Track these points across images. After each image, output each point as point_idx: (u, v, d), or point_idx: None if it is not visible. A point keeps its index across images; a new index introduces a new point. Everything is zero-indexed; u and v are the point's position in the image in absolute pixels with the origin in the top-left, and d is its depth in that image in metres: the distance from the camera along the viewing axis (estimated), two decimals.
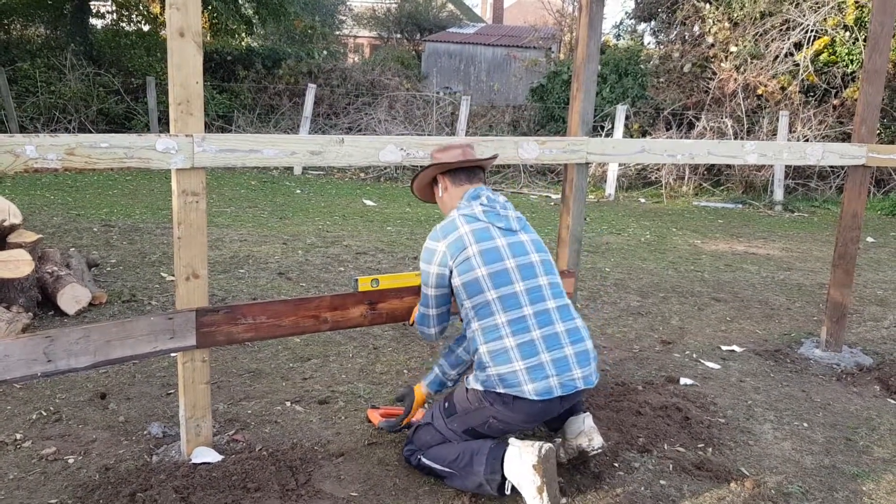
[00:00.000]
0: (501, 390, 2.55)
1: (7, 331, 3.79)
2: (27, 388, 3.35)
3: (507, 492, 2.52)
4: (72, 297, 4.35)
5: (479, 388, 2.61)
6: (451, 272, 2.66)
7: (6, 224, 4.50)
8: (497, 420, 2.60)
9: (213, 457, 2.71)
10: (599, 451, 2.69)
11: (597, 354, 2.71)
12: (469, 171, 2.86)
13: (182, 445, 2.75)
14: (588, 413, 2.79)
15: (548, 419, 2.73)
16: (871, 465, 3.03)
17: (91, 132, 12.11)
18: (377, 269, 5.79)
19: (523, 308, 2.60)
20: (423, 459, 2.70)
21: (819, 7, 11.80)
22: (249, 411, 3.23)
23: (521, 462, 2.45)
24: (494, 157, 2.93)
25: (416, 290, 3.17)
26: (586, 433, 2.69)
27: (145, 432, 2.99)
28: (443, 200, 2.89)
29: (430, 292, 2.74)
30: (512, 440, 2.54)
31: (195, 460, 2.68)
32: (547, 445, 2.45)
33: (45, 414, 3.11)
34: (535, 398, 2.52)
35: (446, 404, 2.74)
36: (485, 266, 2.60)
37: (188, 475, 2.57)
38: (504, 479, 2.51)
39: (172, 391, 3.38)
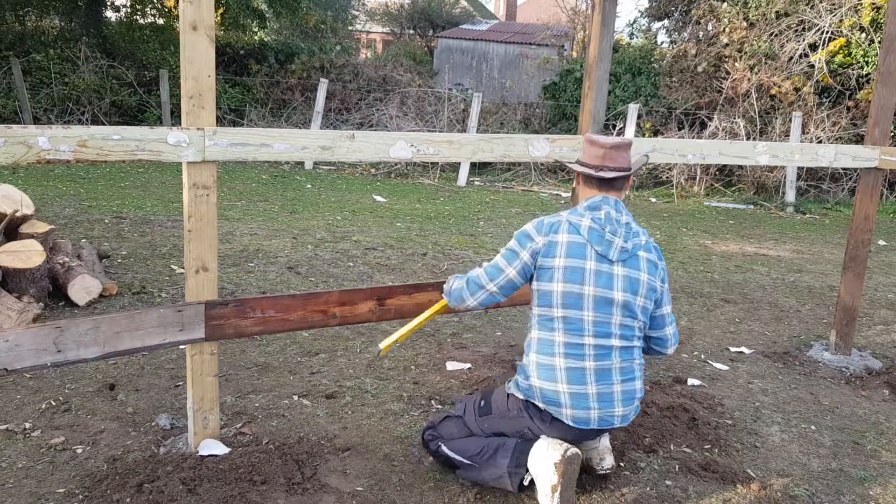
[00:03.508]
0: (542, 406, 2.54)
1: (18, 321, 3.81)
2: (37, 377, 3.37)
3: (525, 483, 2.52)
4: (82, 288, 4.37)
5: (521, 396, 2.60)
6: (534, 273, 2.59)
7: (18, 214, 4.52)
8: (531, 432, 2.60)
9: (220, 449, 2.72)
10: (608, 471, 2.68)
11: (643, 395, 2.68)
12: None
13: (189, 437, 2.76)
14: (606, 432, 2.77)
15: None
16: (878, 469, 3.02)
17: (104, 124, 12.19)
18: (386, 265, 5.80)
19: (584, 336, 2.52)
20: (444, 448, 2.69)
21: (835, 8, 11.72)
22: (257, 404, 3.25)
23: (546, 457, 2.44)
24: (629, 172, 2.66)
25: (423, 289, 3.16)
26: (599, 452, 2.68)
27: (153, 424, 3.01)
28: (575, 191, 2.76)
29: (508, 271, 2.61)
30: (543, 436, 2.53)
31: (202, 452, 2.69)
32: (574, 450, 2.43)
33: (54, 404, 3.14)
34: (572, 424, 2.51)
35: (482, 402, 2.72)
36: (563, 282, 2.51)
37: (195, 467, 2.58)
38: (527, 471, 2.51)
39: (181, 383, 3.40)
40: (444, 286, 2.89)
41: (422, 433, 2.82)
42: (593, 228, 2.55)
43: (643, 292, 2.58)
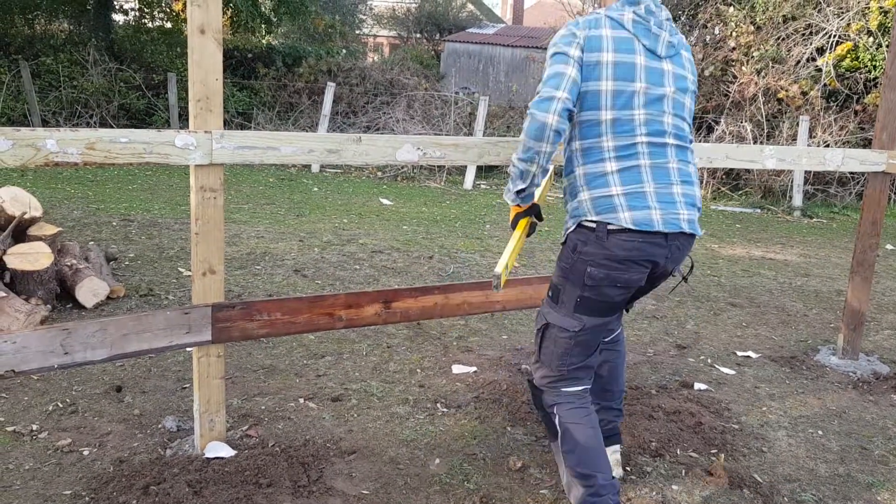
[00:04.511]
0: (593, 218, 2.29)
1: (26, 322, 3.83)
2: (44, 379, 3.38)
3: None
4: (90, 290, 4.39)
5: (571, 225, 2.38)
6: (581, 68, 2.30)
7: (27, 217, 4.54)
8: (594, 267, 2.31)
9: (226, 452, 2.73)
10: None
11: (702, 208, 2.43)
12: None
13: (196, 440, 2.77)
14: (619, 446, 2.75)
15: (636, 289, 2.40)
16: (886, 475, 3.00)
17: (112, 127, 12.22)
18: (392, 268, 5.80)
19: (637, 136, 2.30)
20: (556, 421, 2.46)
21: (843, 12, 11.70)
22: (263, 407, 3.25)
23: None
24: None
25: (430, 292, 3.16)
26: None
27: (160, 426, 3.01)
28: (603, 3, 2.51)
29: (568, 71, 2.26)
30: None
31: (208, 455, 2.70)
32: None
33: (61, 406, 3.15)
34: (633, 227, 2.25)
35: (550, 293, 2.48)
36: (612, 80, 2.28)
37: (201, 469, 2.59)
38: None
39: (187, 385, 3.40)
40: (510, 171, 2.44)
41: (529, 380, 2.60)
42: (638, 21, 2.33)
43: (690, 92, 2.44)
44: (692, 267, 2.65)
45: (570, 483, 2.43)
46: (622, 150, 2.30)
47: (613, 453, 2.74)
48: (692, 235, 2.38)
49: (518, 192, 2.43)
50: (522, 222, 2.61)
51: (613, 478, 2.41)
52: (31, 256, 4.26)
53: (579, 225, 2.35)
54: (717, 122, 12.33)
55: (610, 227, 2.27)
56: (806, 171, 11.26)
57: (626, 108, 2.29)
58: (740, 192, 11.94)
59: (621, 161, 2.30)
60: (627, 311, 2.71)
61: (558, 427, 2.46)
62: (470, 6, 28.35)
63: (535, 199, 2.58)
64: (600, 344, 2.55)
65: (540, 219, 2.64)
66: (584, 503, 2.36)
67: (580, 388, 2.51)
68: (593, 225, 2.30)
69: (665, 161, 2.33)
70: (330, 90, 12.43)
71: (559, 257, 2.47)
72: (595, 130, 2.32)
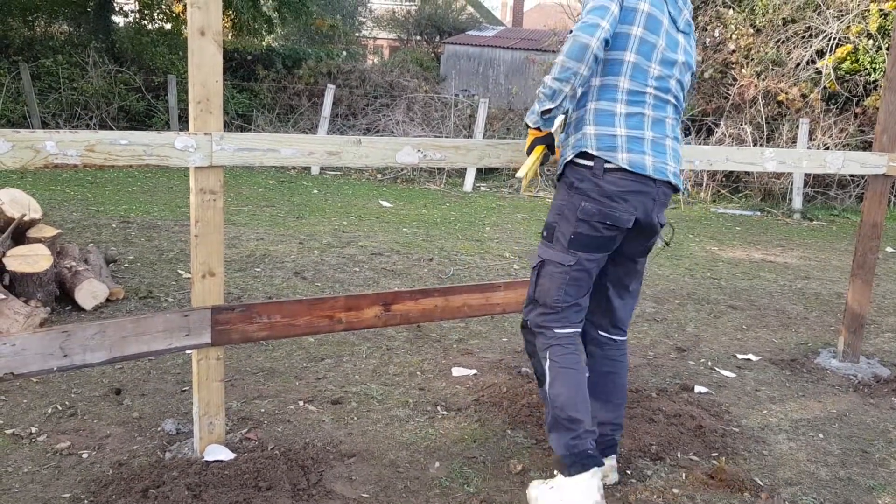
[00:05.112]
0: (593, 152, 2.46)
1: (25, 325, 3.82)
2: (43, 381, 3.38)
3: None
4: (89, 292, 4.38)
5: (569, 155, 2.54)
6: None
7: (26, 219, 4.54)
8: (588, 202, 2.48)
9: (225, 455, 2.72)
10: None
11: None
12: None
13: (195, 443, 2.76)
14: (616, 456, 2.78)
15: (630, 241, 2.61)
16: (887, 478, 3.00)
17: (112, 129, 12.23)
18: (392, 270, 5.79)
19: (647, 87, 2.50)
20: (547, 365, 2.58)
21: (842, 15, 11.71)
22: (262, 410, 3.25)
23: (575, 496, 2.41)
24: None
25: (430, 294, 3.16)
26: (604, 470, 2.63)
27: (159, 429, 3.01)
28: None
29: (612, 8, 2.38)
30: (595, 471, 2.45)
31: (208, 458, 2.69)
32: None
33: (60, 408, 3.14)
34: (627, 168, 2.44)
35: (545, 232, 2.63)
36: (643, 28, 2.46)
37: (200, 472, 2.58)
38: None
39: (187, 388, 3.40)
40: (541, 91, 2.49)
41: (523, 326, 2.73)
42: None
43: (691, 72, 2.64)
44: (674, 231, 2.80)
45: (554, 426, 2.54)
46: (633, 96, 2.49)
47: (609, 459, 2.73)
48: (675, 188, 2.61)
49: (543, 114, 2.52)
50: (539, 148, 2.68)
51: (594, 422, 2.56)
52: (30, 258, 4.26)
53: (574, 162, 2.53)
54: (717, 125, 12.33)
55: (607, 165, 2.46)
56: (806, 174, 11.26)
57: (646, 57, 2.48)
58: (740, 194, 11.94)
59: (630, 106, 2.49)
60: (631, 298, 2.81)
61: (547, 372, 2.59)
62: (470, 8, 28.40)
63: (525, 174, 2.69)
64: (591, 288, 2.68)
65: (552, 151, 2.71)
66: (567, 445, 2.49)
67: (571, 330, 2.65)
68: (591, 163, 2.49)
69: (664, 115, 2.55)
70: (330, 92, 12.44)
71: (554, 197, 2.65)
72: (617, 68, 2.48)
